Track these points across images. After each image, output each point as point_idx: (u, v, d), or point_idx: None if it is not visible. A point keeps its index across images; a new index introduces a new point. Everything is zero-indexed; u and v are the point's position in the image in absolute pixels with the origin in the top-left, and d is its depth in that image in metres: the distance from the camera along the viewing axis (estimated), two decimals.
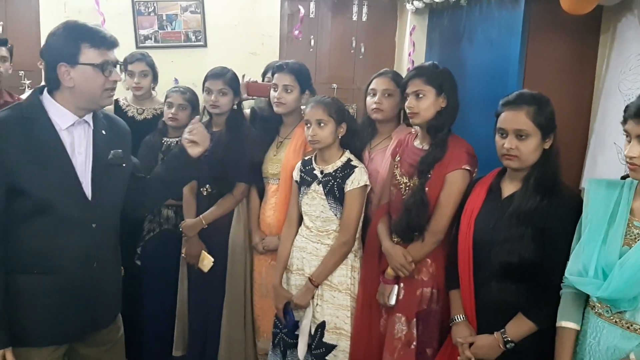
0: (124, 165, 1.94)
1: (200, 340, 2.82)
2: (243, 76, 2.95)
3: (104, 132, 1.90)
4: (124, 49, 3.34)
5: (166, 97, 2.93)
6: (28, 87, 3.48)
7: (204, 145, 1.97)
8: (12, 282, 1.73)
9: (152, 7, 3.60)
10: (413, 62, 3.72)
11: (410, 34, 3.78)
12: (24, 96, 2.88)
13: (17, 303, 1.74)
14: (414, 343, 2.19)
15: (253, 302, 2.79)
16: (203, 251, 2.74)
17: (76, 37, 1.76)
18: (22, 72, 3.52)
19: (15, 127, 1.71)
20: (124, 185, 1.97)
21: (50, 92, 1.81)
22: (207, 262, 2.73)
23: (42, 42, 3.21)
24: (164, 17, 3.63)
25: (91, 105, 1.84)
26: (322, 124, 2.37)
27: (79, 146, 1.82)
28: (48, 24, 3.44)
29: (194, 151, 1.96)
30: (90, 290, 1.87)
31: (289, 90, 2.64)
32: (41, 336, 1.80)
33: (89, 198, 1.82)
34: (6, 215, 1.71)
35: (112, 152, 1.89)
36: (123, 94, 3.21)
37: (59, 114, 1.79)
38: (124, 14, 3.58)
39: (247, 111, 3.01)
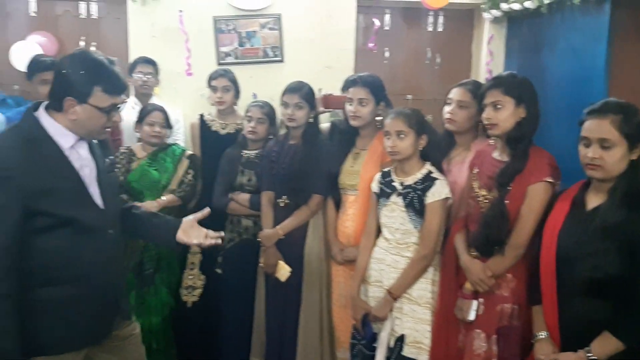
0: (115, 170, 2.05)
1: (277, 348, 2.87)
2: (320, 90, 3.00)
3: (94, 141, 1.98)
4: (206, 66, 3.54)
5: (246, 111, 3.02)
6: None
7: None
8: (36, 295, 1.76)
9: (233, 25, 3.73)
10: (491, 71, 3.67)
11: (488, 43, 3.73)
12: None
13: (44, 315, 1.77)
14: None
15: (332, 312, 2.81)
16: (280, 261, 2.80)
17: (92, 78, 1.79)
18: None
19: (23, 151, 1.72)
20: (119, 189, 2.09)
21: (47, 109, 1.83)
22: (284, 271, 2.79)
23: (131, 60, 3.45)
24: (244, 34, 3.75)
25: (87, 137, 1.89)
26: (402, 135, 2.36)
27: (84, 160, 1.88)
28: (136, 44, 3.67)
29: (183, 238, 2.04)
30: (112, 292, 1.96)
31: (363, 104, 2.67)
32: (71, 342, 1.85)
33: (102, 207, 1.89)
34: (23, 233, 1.71)
35: (107, 160, 2.01)
36: (207, 109, 3.35)
37: (60, 134, 1.81)
38: (206, 32, 3.73)
39: (326, 125, 3.04)
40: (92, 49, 3.66)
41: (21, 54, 3.50)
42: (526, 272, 2.13)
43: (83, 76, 1.79)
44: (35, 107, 1.84)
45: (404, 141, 2.36)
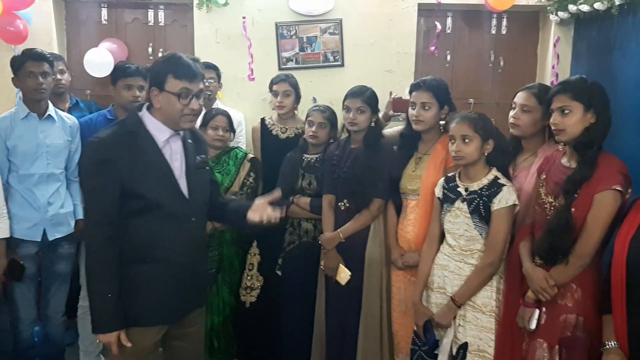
0: (207, 168, 2.28)
1: (337, 352, 2.88)
2: (390, 93, 2.99)
3: (189, 140, 2.19)
4: (268, 71, 3.62)
5: (307, 115, 3.05)
6: None
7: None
8: (128, 271, 2.01)
9: (294, 31, 3.79)
10: (557, 75, 3.57)
11: (554, 46, 3.63)
12: None
13: (133, 289, 2.02)
14: None
15: (391, 317, 2.80)
16: (340, 264, 2.81)
17: (166, 68, 2.02)
18: None
19: (124, 141, 2.00)
20: (208, 185, 2.28)
21: (148, 109, 2.10)
22: (344, 275, 2.80)
23: None
24: (305, 40, 3.80)
25: (173, 126, 2.08)
26: (467, 140, 2.33)
27: (175, 154, 2.11)
28: (201, 50, 3.78)
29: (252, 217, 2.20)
30: (191, 275, 2.16)
31: (426, 108, 2.64)
32: (154, 316, 2.09)
33: (187, 197, 2.11)
34: (119, 214, 1.98)
35: (198, 157, 2.20)
36: (269, 113, 3.41)
37: (157, 129, 2.07)
38: (268, 38, 3.80)
39: (398, 128, 3.01)
40: (160, 54, 3.81)
41: (93, 61, 3.68)
42: (593, 283, 2.07)
43: (161, 67, 2.04)
44: (139, 108, 2.12)
45: (469, 146, 2.33)
